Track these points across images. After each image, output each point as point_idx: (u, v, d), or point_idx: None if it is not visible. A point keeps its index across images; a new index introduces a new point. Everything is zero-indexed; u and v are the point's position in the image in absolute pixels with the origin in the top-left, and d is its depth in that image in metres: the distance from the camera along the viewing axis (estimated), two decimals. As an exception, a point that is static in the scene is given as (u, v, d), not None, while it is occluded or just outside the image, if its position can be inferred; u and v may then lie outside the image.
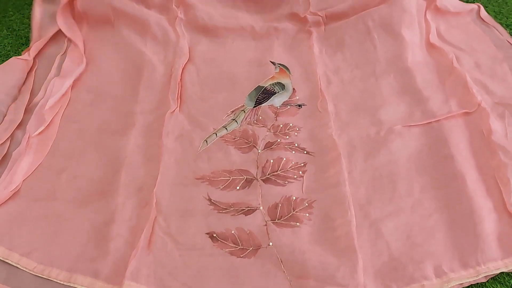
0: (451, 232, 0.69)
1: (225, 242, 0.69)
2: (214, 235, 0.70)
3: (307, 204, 0.73)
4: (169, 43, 0.98)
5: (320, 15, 1.01)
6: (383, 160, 0.78)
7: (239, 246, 0.69)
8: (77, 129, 0.85)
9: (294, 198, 0.74)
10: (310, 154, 0.80)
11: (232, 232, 0.70)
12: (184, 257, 0.68)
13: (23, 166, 0.77)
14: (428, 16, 1.00)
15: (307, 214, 0.72)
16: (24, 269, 0.67)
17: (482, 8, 1.06)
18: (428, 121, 0.82)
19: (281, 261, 0.67)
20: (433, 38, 0.97)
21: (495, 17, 1.06)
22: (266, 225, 0.71)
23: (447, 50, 0.94)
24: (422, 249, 0.67)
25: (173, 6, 1.01)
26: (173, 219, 0.72)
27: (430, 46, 0.96)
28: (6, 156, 0.80)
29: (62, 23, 1.00)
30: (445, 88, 0.88)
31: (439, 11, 1.01)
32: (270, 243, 0.68)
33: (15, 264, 0.67)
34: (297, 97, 0.89)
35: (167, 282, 0.66)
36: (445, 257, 0.67)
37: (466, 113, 0.83)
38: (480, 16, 1.05)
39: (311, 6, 1.01)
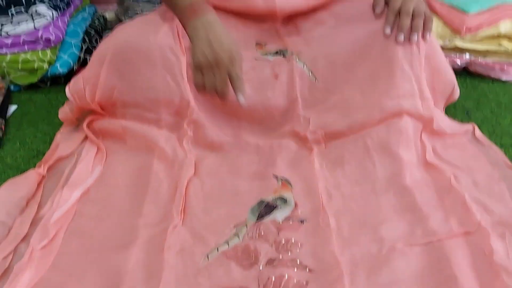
0: None
1: None
2: None
3: None
4: (176, 158, 1.01)
5: (319, 134, 1.05)
6: (386, 279, 0.77)
7: None
8: (79, 244, 0.85)
9: None
10: (312, 272, 0.79)
11: None
12: None
13: (24, 280, 0.77)
14: (424, 137, 1.03)
15: None
16: None
17: (476, 128, 1.10)
18: (429, 240, 0.82)
19: None
20: (430, 157, 0.99)
21: (489, 137, 1.10)
22: None
23: (444, 168, 0.96)
24: None
25: (185, 125, 1.05)
26: None
27: (427, 165, 0.99)
28: (8, 269, 0.79)
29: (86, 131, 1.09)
30: (444, 207, 0.89)
31: (436, 133, 1.05)
32: None
33: None
34: (299, 211, 0.90)
35: None
36: None
37: (467, 233, 0.83)
38: (475, 136, 1.09)
39: (310, 125, 1.06)
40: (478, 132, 1.10)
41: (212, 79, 0.97)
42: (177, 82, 1.05)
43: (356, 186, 0.95)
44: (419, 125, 1.04)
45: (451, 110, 1.21)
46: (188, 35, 1.02)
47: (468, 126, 1.11)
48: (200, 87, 0.98)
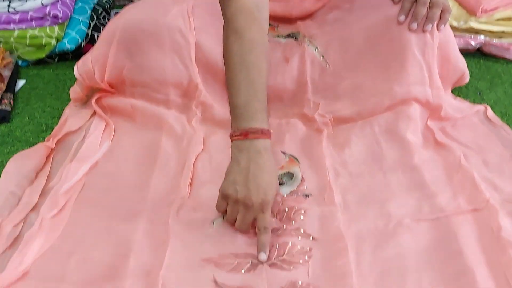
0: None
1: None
2: None
3: None
4: (185, 135, 1.01)
5: (327, 118, 1.05)
6: (392, 253, 0.77)
7: None
8: (89, 214, 0.86)
9: (300, 283, 0.73)
10: (316, 240, 0.80)
11: None
12: None
13: (34, 247, 0.78)
14: (432, 121, 1.04)
15: None
16: None
17: (489, 108, 1.10)
18: (436, 216, 0.82)
19: None
20: (439, 137, 1.00)
21: (501, 118, 1.09)
22: None
23: (454, 147, 0.96)
24: None
25: (193, 106, 1.06)
26: None
27: (437, 145, 0.99)
28: (19, 238, 0.80)
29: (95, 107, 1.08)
30: (453, 185, 0.89)
31: (444, 119, 1.06)
32: None
33: None
34: (305, 187, 0.91)
35: None
36: None
37: (475, 210, 0.83)
38: (488, 117, 1.08)
39: (319, 109, 1.06)
40: (490, 112, 1.09)
41: (235, 215, 0.80)
42: (185, 64, 1.06)
43: (363, 165, 0.95)
44: (427, 112, 1.04)
45: (463, 91, 1.21)
46: (231, 151, 0.85)
47: (480, 107, 1.11)
48: (221, 211, 0.83)
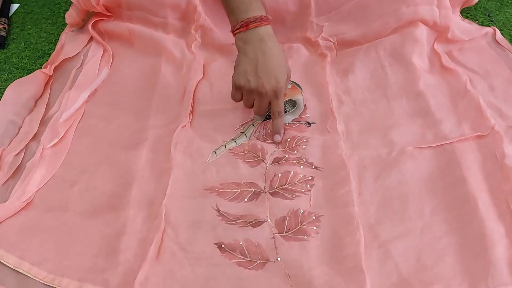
0: (461, 256, 0.68)
1: (233, 253, 0.69)
2: (223, 245, 0.70)
3: (314, 218, 0.73)
4: (185, 61, 0.99)
5: (331, 41, 1.02)
6: (393, 181, 0.77)
7: (247, 258, 0.69)
8: (90, 143, 0.86)
9: (301, 211, 0.74)
10: (318, 169, 0.80)
11: (240, 243, 0.70)
12: (193, 266, 0.68)
13: (36, 177, 0.78)
14: (439, 44, 1.01)
15: (315, 228, 0.72)
16: (35, 278, 0.67)
17: (497, 31, 1.06)
18: (440, 143, 0.82)
19: (289, 276, 0.66)
20: (446, 61, 0.97)
21: (510, 41, 1.06)
22: (273, 237, 0.71)
23: (460, 72, 0.94)
24: (431, 272, 0.67)
25: (192, 30, 1.03)
26: (182, 230, 0.72)
27: (442, 69, 0.96)
28: (20, 167, 0.81)
29: (92, 33, 1.06)
30: (457, 111, 0.88)
31: (451, 41, 1.02)
32: (278, 258, 0.68)
33: (25, 273, 0.67)
34: (307, 115, 0.90)
35: None
36: (455, 281, 0.66)
37: (479, 136, 0.82)
38: (496, 40, 1.05)
39: (323, 33, 1.03)
40: (499, 35, 1.06)
41: (251, 103, 0.85)
42: None
43: (367, 92, 0.93)
44: (434, 34, 1.01)
45: (472, 12, 1.16)
46: (236, 45, 0.86)
47: (488, 29, 1.07)
48: (237, 100, 0.86)
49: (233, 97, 0.86)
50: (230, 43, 1.01)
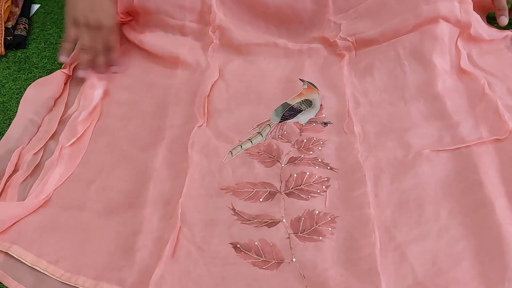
0: (478, 260, 0.67)
1: (248, 253, 0.70)
2: (238, 245, 0.71)
3: (330, 219, 0.73)
4: (200, 67, 0.98)
5: (350, 41, 1.01)
6: (410, 183, 0.77)
7: (262, 257, 0.69)
8: (107, 142, 0.87)
9: (317, 212, 0.74)
10: (334, 170, 0.80)
11: (256, 243, 0.70)
12: (209, 265, 0.68)
13: (54, 175, 0.79)
14: (460, 43, 0.99)
15: (330, 229, 0.72)
16: (52, 276, 0.68)
17: None
18: (457, 147, 0.81)
19: (304, 277, 0.66)
20: (464, 64, 0.96)
21: (530, 45, 1.04)
22: (289, 238, 0.71)
23: (478, 75, 0.93)
24: (447, 276, 0.66)
25: (209, 32, 1.02)
26: (198, 229, 0.72)
27: (461, 71, 0.95)
28: (39, 166, 0.82)
29: None
30: (475, 114, 0.87)
31: (473, 39, 1.00)
32: (294, 259, 0.68)
33: (43, 271, 0.68)
34: (324, 115, 0.90)
35: None
36: (471, 285, 0.65)
37: (497, 140, 0.81)
38: None
39: (341, 32, 1.02)
40: (519, 37, 1.04)
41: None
42: None
43: (384, 94, 0.93)
44: (456, 31, 0.99)
45: (490, 14, 1.14)
46: None
47: (508, 32, 1.05)
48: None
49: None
50: (249, 43, 1.01)
